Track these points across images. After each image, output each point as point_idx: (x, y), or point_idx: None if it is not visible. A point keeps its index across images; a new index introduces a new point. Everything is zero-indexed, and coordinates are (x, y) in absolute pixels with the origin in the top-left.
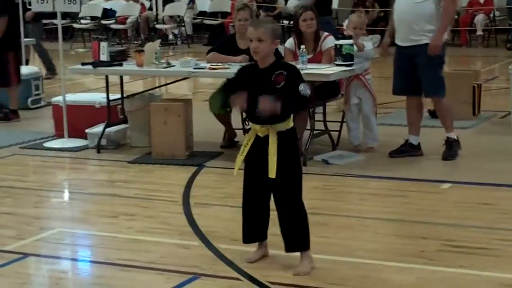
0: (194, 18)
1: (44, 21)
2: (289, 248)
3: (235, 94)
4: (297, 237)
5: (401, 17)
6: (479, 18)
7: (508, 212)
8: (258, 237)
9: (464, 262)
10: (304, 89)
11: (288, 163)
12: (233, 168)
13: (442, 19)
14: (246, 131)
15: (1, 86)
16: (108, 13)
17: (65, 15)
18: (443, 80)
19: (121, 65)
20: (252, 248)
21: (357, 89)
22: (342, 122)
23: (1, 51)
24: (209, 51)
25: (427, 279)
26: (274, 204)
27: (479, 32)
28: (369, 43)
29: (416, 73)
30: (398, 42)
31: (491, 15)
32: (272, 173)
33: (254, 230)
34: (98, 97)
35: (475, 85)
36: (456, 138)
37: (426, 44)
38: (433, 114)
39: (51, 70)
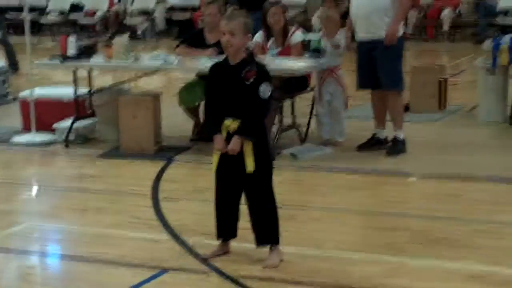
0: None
1: (11, 15)
2: (260, 241)
3: (216, 136)
4: (268, 231)
5: (358, 11)
6: (446, 12)
7: (475, 204)
8: (231, 234)
9: (432, 253)
10: (264, 90)
11: (260, 158)
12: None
13: (398, 8)
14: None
15: None
16: (76, 7)
17: (32, 9)
18: (401, 73)
19: (89, 59)
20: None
21: (330, 85)
22: (310, 116)
23: None
24: (178, 45)
25: (396, 271)
26: (245, 198)
27: (446, 27)
28: (342, 38)
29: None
30: (357, 36)
31: (458, 9)
32: (250, 166)
33: (227, 227)
34: (66, 92)
35: (442, 79)
36: (402, 139)
37: (384, 38)
38: (406, 108)
39: (14, 65)
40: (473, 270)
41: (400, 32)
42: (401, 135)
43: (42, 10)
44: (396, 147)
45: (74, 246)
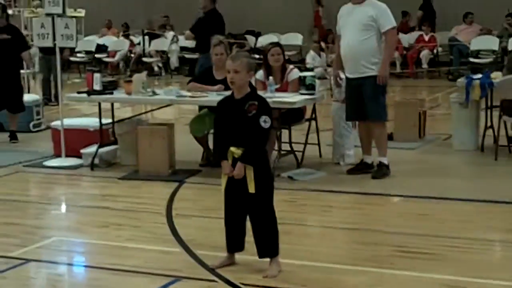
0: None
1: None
2: (261, 254)
3: (223, 161)
4: (269, 245)
5: (347, 52)
6: (424, 53)
7: (448, 222)
8: (239, 247)
9: (410, 265)
10: (265, 121)
11: (261, 180)
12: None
13: (385, 51)
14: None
15: (20, 112)
16: (101, 48)
17: (62, 49)
18: (385, 106)
19: (112, 93)
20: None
21: None
22: (305, 143)
23: (19, 79)
24: (189, 81)
25: (378, 280)
26: (249, 215)
27: (425, 66)
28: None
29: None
30: (347, 74)
31: (435, 50)
32: (251, 188)
33: (236, 241)
34: (91, 122)
35: (421, 112)
36: (387, 164)
37: (370, 76)
38: (389, 137)
39: (48, 98)
40: (446, 279)
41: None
42: (385, 161)
43: (71, 50)
44: (381, 171)
45: (97, 257)
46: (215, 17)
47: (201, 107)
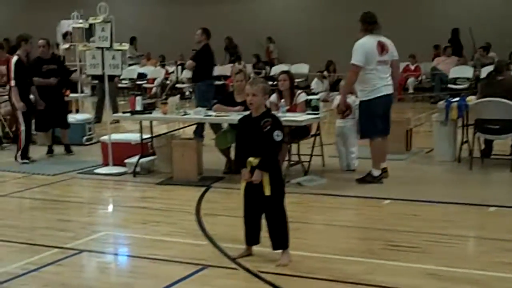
0: None
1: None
2: (275, 247)
3: (243, 169)
4: (281, 239)
5: None
6: (411, 80)
7: (431, 221)
8: (255, 241)
9: (399, 257)
10: (277, 135)
11: (275, 184)
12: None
13: (344, 84)
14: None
15: (66, 128)
16: (141, 76)
17: (110, 77)
18: (365, 129)
19: (151, 113)
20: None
21: None
22: (311, 155)
23: (64, 100)
24: (214, 103)
25: (373, 269)
26: (265, 214)
27: (411, 91)
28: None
29: None
30: None
31: (419, 78)
32: (267, 191)
33: (252, 236)
34: (134, 136)
35: (408, 129)
36: (374, 175)
37: (360, 101)
38: None
39: (98, 118)
40: (430, 269)
41: (363, 98)
42: (374, 172)
43: (117, 77)
44: (365, 178)
45: (138, 248)
46: (208, 50)
47: (216, 126)
